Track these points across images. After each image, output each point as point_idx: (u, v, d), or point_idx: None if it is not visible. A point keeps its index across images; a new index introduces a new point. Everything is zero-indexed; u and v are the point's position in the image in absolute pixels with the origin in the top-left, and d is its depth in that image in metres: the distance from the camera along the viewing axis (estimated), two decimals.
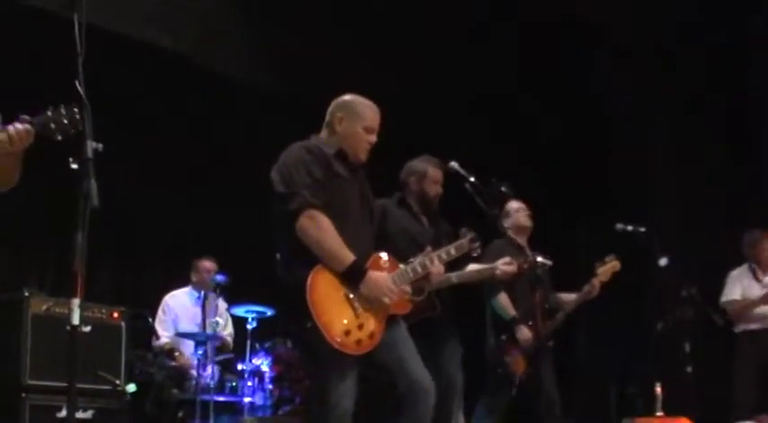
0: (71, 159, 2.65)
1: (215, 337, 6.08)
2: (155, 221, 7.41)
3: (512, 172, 5.02)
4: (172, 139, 7.24)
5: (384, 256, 3.62)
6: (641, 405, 6.94)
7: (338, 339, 3.31)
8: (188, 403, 5.86)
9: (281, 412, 6.15)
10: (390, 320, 3.53)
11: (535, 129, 8.75)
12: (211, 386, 5.80)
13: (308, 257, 3.37)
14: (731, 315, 6.75)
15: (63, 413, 4.66)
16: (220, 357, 6.34)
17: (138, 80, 6.79)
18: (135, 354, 5.81)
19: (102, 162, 2.70)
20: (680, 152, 8.56)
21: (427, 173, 4.75)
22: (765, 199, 7.74)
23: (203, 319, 6.07)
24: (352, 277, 3.40)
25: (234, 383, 6.23)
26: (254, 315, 6.36)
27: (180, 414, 5.95)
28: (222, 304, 6.54)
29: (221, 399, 6.04)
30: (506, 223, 5.53)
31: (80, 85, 2.68)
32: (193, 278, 6.64)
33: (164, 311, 6.54)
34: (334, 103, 3.76)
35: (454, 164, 4.61)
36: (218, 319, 6.24)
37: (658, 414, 5.51)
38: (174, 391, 6.03)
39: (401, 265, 3.65)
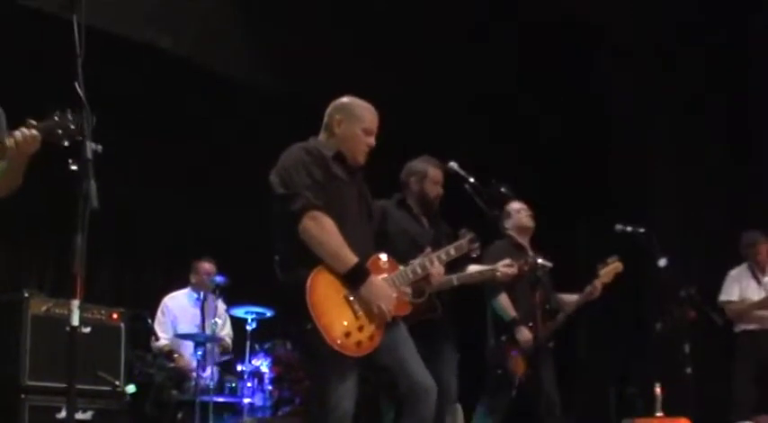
0: (70, 161, 2.65)
1: (214, 338, 6.08)
2: (155, 222, 7.42)
3: (511, 172, 5.02)
4: (172, 139, 7.24)
5: (383, 257, 3.61)
6: (641, 405, 6.94)
7: (338, 341, 3.30)
8: (187, 404, 5.85)
9: (280, 413, 6.15)
10: (390, 322, 3.52)
11: (535, 129, 8.74)
12: (211, 387, 5.79)
13: (309, 259, 3.36)
14: (729, 315, 6.76)
15: (62, 414, 4.67)
16: (221, 359, 6.33)
17: (138, 81, 6.78)
18: (134, 355, 5.81)
19: (102, 163, 2.69)
20: (680, 152, 8.56)
21: (428, 173, 4.74)
22: (765, 199, 7.74)
23: (202, 321, 6.07)
24: (354, 279, 3.39)
25: (233, 384, 6.23)
26: (253, 316, 6.36)
27: (179, 415, 5.94)
28: (221, 305, 6.53)
29: (221, 400, 6.04)
30: (507, 224, 5.52)
31: (80, 87, 2.67)
32: (192, 279, 6.63)
33: (162, 313, 6.53)
34: (332, 106, 3.75)
35: (453, 164, 4.60)
36: (216, 319, 6.24)
37: (658, 414, 5.50)
38: (174, 392, 6.03)
39: (401, 267, 3.65)
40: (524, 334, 5.21)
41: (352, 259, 3.39)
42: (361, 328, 3.37)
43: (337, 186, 3.53)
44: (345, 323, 3.34)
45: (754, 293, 6.80)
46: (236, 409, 6.14)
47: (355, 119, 3.67)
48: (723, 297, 6.87)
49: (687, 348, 5.51)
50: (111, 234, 6.88)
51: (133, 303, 6.38)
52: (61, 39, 2.83)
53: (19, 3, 6.03)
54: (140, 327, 5.97)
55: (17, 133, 2.88)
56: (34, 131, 2.89)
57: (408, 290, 3.63)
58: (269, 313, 6.34)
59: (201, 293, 6.33)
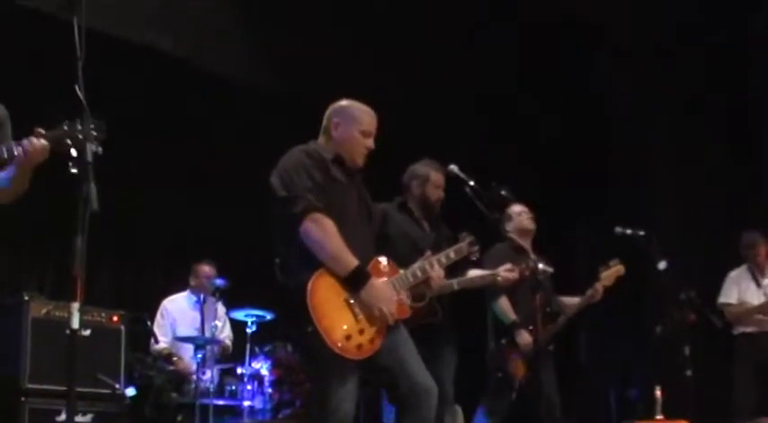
0: (71, 164, 2.64)
1: (214, 340, 6.06)
2: (155, 222, 7.40)
3: (511, 172, 5.01)
4: (172, 139, 7.23)
5: (383, 260, 3.61)
6: (641, 408, 6.94)
7: (339, 344, 3.29)
8: (187, 407, 5.84)
9: (280, 416, 6.13)
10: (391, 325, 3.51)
11: (535, 129, 8.74)
12: (211, 390, 5.78)
13: (309, 261, 3.36)
14: (728, 318, 6.75)
15: (62, 417, 4.65)
16: (223, 366, 6.30)
17: (138, 82, 6.77)
18: (134, 357, 5.79)
19: (102, 163, 2.69)
20: (680, 152, 8.55)
21: (430, 177, 4.73)
22: (765, 199, 7.74)
23: (202, 323, 6.05)
24: (354, 282, 3.38)
25: (233, 387, 6.20)
26: (253, 319, 6.33)
27: (179, 418, 5.93)
28: (221, 308, 6.51)
29: (221, 402, 6.02)
30: (508, 227, 5.51)
31: (80, 89, 2.66)
32: (192, 282, 6.61)
33: (162, 316, 6.51)
34: (330, 109, 3.74)
35: (454, 167, 4.59)
36: (216, 322, 6.22)
37: (658, 417, 5.49)
38: (174, 394, 6.01)
39: (401, 270, 3.64)
40: (524, 337, 5.21)
41: (353, 262, 3.39)
42: (361, 332, 3.37)
43: (337, 189, 3.52)
44: (346, 326, 3.34)
45: (753, 296, 6.77)
46: (236, 412, 6.13)
47: (353, 121, 3.66)
48: (722, 299, 6.85)
49: (687, 351, 5.49)
50: (111, 234, 6.86)
51: (133, 303, 6.38)
52: (60, 39, 2.82)
53: (17, 3, 6.02)
54: (140, 329, 5.95)
55: (26, 143, 2.86)
56: (44, 141, 2.87)
57: (407, 295, 3.61)
58: (269, 316, 6.32)
59: (201, 296, 6.31)
